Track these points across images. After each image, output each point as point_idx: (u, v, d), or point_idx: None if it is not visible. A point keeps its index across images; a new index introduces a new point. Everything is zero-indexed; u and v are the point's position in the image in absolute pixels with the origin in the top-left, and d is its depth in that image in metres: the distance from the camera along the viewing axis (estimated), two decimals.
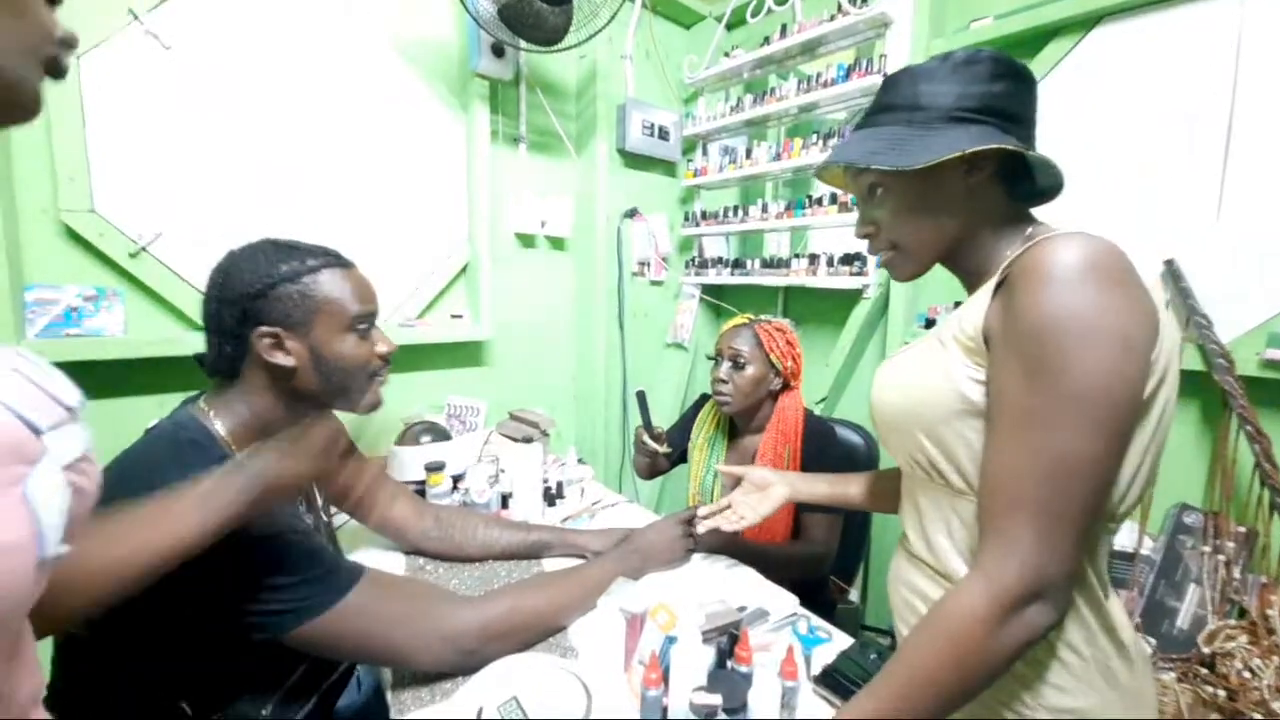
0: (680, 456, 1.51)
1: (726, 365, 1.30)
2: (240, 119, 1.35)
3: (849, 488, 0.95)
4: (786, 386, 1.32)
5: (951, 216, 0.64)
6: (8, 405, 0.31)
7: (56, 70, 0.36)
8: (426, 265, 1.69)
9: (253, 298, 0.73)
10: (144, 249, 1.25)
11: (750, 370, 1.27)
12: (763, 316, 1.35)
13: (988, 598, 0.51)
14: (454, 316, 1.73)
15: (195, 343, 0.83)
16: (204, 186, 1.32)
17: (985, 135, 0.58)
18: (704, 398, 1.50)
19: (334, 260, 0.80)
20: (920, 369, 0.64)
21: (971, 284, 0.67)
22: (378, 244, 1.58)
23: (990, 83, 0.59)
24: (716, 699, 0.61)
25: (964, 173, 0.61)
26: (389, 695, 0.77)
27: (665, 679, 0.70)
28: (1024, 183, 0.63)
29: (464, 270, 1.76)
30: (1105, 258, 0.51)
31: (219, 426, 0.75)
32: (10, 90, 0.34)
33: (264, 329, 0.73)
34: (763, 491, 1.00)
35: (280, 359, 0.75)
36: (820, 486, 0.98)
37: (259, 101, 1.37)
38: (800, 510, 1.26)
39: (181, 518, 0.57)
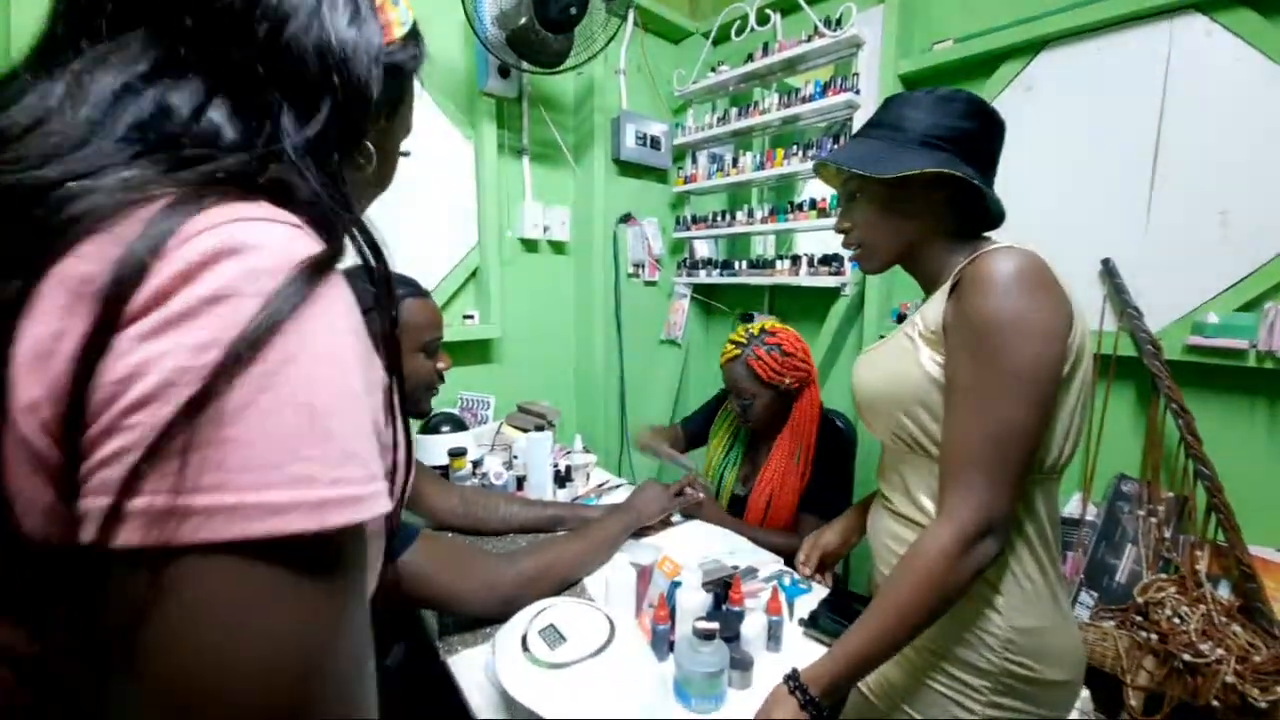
0: (698, 440, 1.64)
1: (739, 405, 1.38)
2: None
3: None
4: (803, 388, 1.37)
5: (910, 224, 0.76)
6: None
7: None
8: (441, 270, 1.81)
9: None
10: None
11: (760, 402, 1.35)
12: (752, 329, 1.37)
13: (952, 536, 0.63)
14: (465, 317, 1.86)
15: None
16: None
17: (946, 161, 0.69)
18: (726, 392, 1.52)
19: (415, 290, 0.96)
20: (895, 359, 0.76)
21: (926, 285, 0.79)
22: (396, 251, 1.68)
23: (961, 119, 0.71)
24: (715, 625, 0.75)
25: (926, 189, 0.73)
26: (437, 643, 0.89)
27: (672, 617, 0.85)
28: (974, 208, 0.75)
29: (474, 274, 1.89)
30: (1031, 268, 0.65)
31: None
32: None
33: None
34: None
35: None
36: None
37: None
38: (801, 510, 1.36)
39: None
